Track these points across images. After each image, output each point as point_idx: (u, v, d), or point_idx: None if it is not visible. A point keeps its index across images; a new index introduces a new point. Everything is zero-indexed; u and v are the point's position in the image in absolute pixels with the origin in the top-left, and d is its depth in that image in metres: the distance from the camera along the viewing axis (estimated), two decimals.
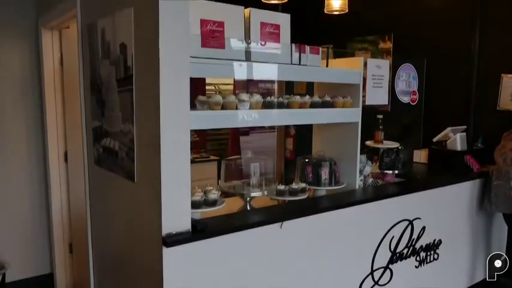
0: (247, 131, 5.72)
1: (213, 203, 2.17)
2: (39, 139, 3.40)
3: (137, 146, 1.99)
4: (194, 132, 4.86)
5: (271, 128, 5.89)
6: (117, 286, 2.36)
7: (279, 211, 2.36)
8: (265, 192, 2.42)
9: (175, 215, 1.86)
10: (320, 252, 2.40)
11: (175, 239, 1.82)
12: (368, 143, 3.11)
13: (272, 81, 4.75)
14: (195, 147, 4.77)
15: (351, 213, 2.51)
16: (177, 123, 1.83)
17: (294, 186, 2.50)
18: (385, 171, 3.02)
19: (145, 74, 1.88)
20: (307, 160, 2.72)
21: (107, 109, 2.26)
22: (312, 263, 2.36)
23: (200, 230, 1.91)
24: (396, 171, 3.04)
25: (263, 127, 5.82)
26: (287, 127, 5.12)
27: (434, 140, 3.68)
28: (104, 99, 2.28)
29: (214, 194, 2.19)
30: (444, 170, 3.45)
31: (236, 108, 2.16)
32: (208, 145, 5.39)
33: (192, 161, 4.82)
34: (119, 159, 2.16)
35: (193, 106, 2.04)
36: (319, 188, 2.67)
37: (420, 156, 3.76)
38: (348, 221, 2.51)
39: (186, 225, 1.89)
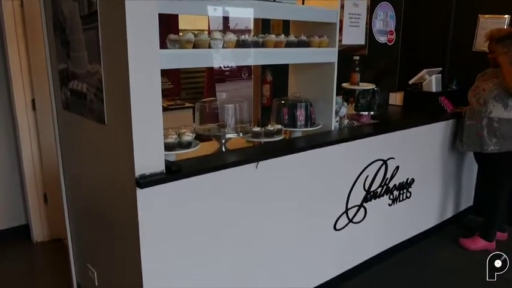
0: (223, 78, 5.61)
1: (188, 145, 2.14)
2: (3, 88, 3.24)
3: (106, 87, 1.90)
4: (168, 80, 4.76)
5: (248, 75, 5.79)
6: (95, 232, 2.34)
7: (254, 152, 2.35)
8: (241, 134, 2.39)
9: (148, 156, 1.82)
10: (296, 192, 2.42)
11: (149, 180, 1.79)
12: (344, 85, 3.09)
13: (248, 22, 4.59)
14: (169, 94, 4.67)
15: (326, 153, 2.52)
16: (146, 61, 1.75)
17: (270, 127, 2.48)
18: (361, 112, 3.02)
19: (111, 9, 1.77)
20: (282, 102, 2.69)
21: (72, 49, 2.14)
22: (288, 202, 2.39)
23: (175, 171, 1.88)
24: (372, 113, 3.06)
25: (239, 75, 5.72)
26: (263, 73, 5.03)
27: (410, 82, 3.68)
28: (69, 39, 2.15)
29: (188, 136, 2.16)
30: (419, 111, 3.48)
31: (209, 47, 2.08)
32: (184, 93, 5.28)
33: (167, 109, 4.75)
34: (87, 101, 2.08)
35: (165, 47, 1.95)
36: (294, 129, 2.66)
37: (396, 98, 3.78)
38: (323, 161, 2.53)
39: (159, 166, 1.86)
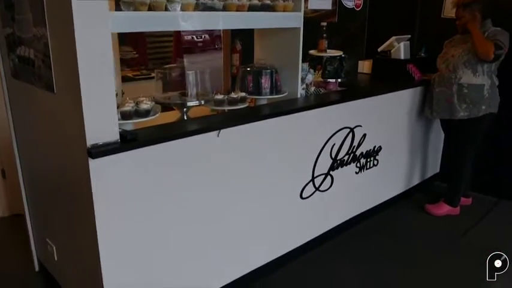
0: (191, 48, 5.45)
1: (146, 114, 2.05)
2: None
3: (53, 52, 1.78)
4: (133, 49, 4.59)
5: (218, 45, 5.65)
6: (51, 206, 2.25)
7: (215, 120, 2.27)
8: (202, 102, 2.31)
9: (101, 125, 1.72)
10: (260, 160, 2.38)
11: (102, 150, 1.70)
12: (311, 52, 3.02)
13: None
14: (134, 64, 4.51)
15: (292, 121, 2.47)
16: (94, 24, 1.63)
17: (233, 95, 2.41)
18: (328, 79, 2.97)
19: None
20: (247, 69, 2.61)
21: (17, 12, 1.99)
22: (252, 171, 2.34)
23: (130, 140, 1.80)
24: (339, 80, 3.01)
25: (209, 45, 5.57)
26: (233, 42, 4.92)
27: (379, 49, 3.64)
28: (13, 1, 2.00)
29: (146, 105, 2.07)
30: (387, 79, 3.46)
31: (166, 10, 1.97)
32: (151, 64, 5.11)
33: (132, 79, 4.58)
34: (36, 68, 1.95)
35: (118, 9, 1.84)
36: (259, 97, 2.59)
37: (364, 66, 3.74)
38: (289, 129, 2.48)
39: (113, 136, 1.77)
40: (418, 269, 2.72)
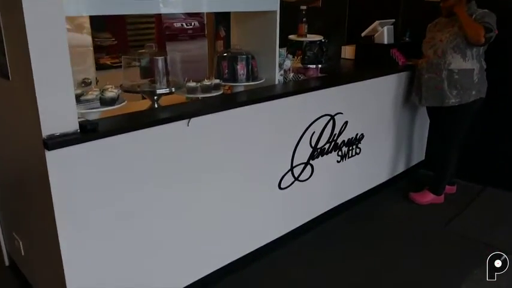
0: (175, 35, 5.31)
1: (111, 102, 1.96)
2: None
3: (6, 36, 1.67)
4: (112, 35, 4.45)
5: (201, 32, 5.51)
6: (16, 200, 2.16)
7: (186, 108, 2.17)
8: (173, 89, 2.21)
9: (57, 114, 1.62)
10: (235, 150, 2.29)
11: (59, 141, 1.60)
12: (291, 36, 2.93)
13: None
14: (113, 51, 4.37)
15: (268, 108, 2.38)
16: (45, 7, 1.52)
17: (206, 82, 2.31)
18: (308, 65, 2.88)
19: None
20: (223, 55, 2.51)
21: None
22: (226, 162, 2.25)
23: (90, 130, 1.70)
24: (320, 66, 2.92)
25: (193, 33, 5.44)
26: (217, 29, 4.79)
27: (363, 34, 3.55)
28: None
29: (111, 93, 1.97)
30: (370, 64, 3.37)
31: None
32: (132, 51, 4.96)
33: (111, 67, 4.43)
34: None
35: None
36: (235, 84, 2.50)
37: (346, 51, 3.65)
38: (265, 117, 2.39)
39: (72, 126, 1.67)
40: (400, 259, 2.66)
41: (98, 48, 4.09)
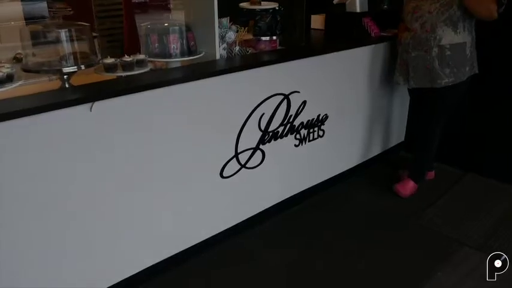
0: (144, 2, 4.95)
1: None
2: None
3: None
4: (67, 5, 4.10)
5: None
6: None
7: (89, 89, 1.84)
8: (82, 67, 1.90)
9: None
10: (165, 138, 2.00)
11: None
12: (242, 4, 2.58)
13: None
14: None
15: (204, 87, 2.08)
16: None
17: (126, 58, 2.00)
18: (260, 37, 2.54)
19: None
20: (151, 27, 2.18)
21: None
22: (148, 153, 1.96)
23: None
24: (274, 38, 2.58)
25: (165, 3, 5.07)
26: None
27: (335, 1, 3.18)
28: None
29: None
30: (341, 35, 3.02)
31: None
32: (97, 23, 4.62)
33: None
34: None
35: None
36: (166, 59, 2.18)
37: (317, 21, 3.28)
38: (201, 97, 2.09)
39: None
40: (363, 258, 2.37)
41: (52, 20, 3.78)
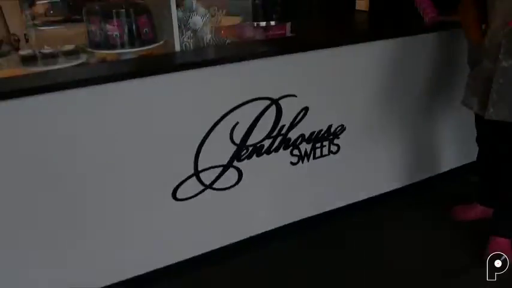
0: None
1: None
2: None
3: None
4: None
5: None
6: None
7: None
8: None
9: None
10: (91, 149, 1.62)
11: None
12: None
13: None
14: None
15: (145, 88, 1.64)
16: None
17: (46, 49, 1.64)
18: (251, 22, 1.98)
19: None
20: (92, 9, 1.77)
21: None
22: (79, 169, 1.60)
23: None
24: (272, 23, 1.99)
25: None
26: None
27: None
28: None
29: None
30: (387, 19, 2.28)
31: None
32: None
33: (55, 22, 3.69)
34: None
35: None
36: (107, 51, 1.77)
37: (361, 2, 2.54)
38: (140, 100, 1.65)
39: None
40: None
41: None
